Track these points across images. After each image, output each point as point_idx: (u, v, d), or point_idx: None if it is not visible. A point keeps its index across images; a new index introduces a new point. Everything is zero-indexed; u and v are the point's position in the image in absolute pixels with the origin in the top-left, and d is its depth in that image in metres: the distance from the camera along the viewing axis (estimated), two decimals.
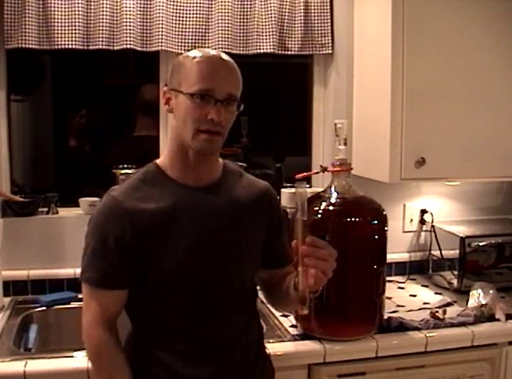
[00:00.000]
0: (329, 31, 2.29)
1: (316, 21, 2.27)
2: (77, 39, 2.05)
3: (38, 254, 2.13)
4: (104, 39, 2.08)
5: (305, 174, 1.80)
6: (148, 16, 2.13)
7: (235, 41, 2.20)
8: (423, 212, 2.43)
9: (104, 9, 2.06)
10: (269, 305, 2.00)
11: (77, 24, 2.04)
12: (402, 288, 2.29)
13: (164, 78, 2.19)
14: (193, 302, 1.32)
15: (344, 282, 1.68)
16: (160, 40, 2.12)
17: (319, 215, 1.69)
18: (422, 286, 2.32)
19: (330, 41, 2.29)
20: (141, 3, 2.11)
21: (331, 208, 1.70)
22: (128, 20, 2.08)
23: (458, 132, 2.04)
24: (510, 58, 2.08)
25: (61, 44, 2.04)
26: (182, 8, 2.15)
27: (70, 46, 2.05)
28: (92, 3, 2.07)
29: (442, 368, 1.81)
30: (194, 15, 2.16)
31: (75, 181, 2.86)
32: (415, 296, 2.20)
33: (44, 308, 2.02)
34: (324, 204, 1.70)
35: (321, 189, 1.76)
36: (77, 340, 1.95)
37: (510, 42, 2.07)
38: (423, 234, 2.46)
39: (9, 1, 1.99)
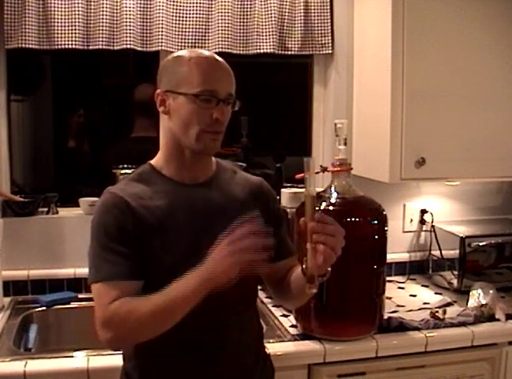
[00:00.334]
0: (329, 31, 2.29)
1: (316, 21, 2.27)
2: (77, 39, 2.05)
3: (38, 254, 2.13)
4: (104, 39, 2.08)
5: (304, 173, 1.79)
6: (148, 16, 2.13)
7: (235, 41, 2.20)
8: (423, 211, 2.43)
9: (104, 9, 2.06)
10: (269, 305, 2.01)
11: (77, 24, 2.04)
12: (402, 288, 2.29)
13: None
14: None
15: (344, 282, 1.68)
16: (159, 40, 2.12)
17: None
18: (422, 286, 2.32)
19: (330, 41, 2.29)
20: (141, 3, 2.11)
21: (331, 208, 1.70)
22: (128, 20, 2.08)
23: (458, 132, 2.04)
24: (510, 58, 2.08)
25: (61, 44, 2.05)
26: (182, 8, 2.15)
27: (70, 46, 2.05)
28: (92, 3, 2.07)
29: (442, 368, 1.81)
30: (194, 15, 2.16)
31: (75, 181, 2.86)
32: (415, 296, 2.20)
33: (44, 308, 2.02)
34: (324, 204, 1.70)
35: (321, 189, 1.76)
36: (77, 340, 1.96)
37: (510, 42, 2.07)
38: (423, 234, 2.46)
39: (9, 1, 1.99)
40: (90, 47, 2.09)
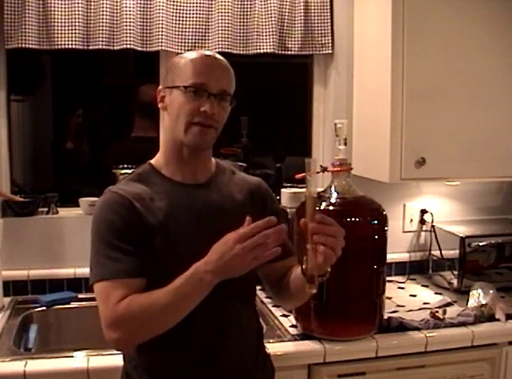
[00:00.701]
0: (329, 31, 2.29)
1: (316, 21, 2.27)
2: (77, 39, 2.05)
3: (38, 254, 2.13)
4: (104, 39, 2.08)
5: (305, 173, 1.79)
6: (148, 16, 2.13)
7: (235, 41, 2.20)
8: (423, 211, 2.43)
9: (104, 9, 2.06)
10: (269, 305, 2.01)
11: (77, 24, 2.04)
12: (402, 288, 2.29)
13: (164, 78, 2.19)
14: None
15: (344, 282, 1.68)
16: (159, 40, 2.12)
17: None
18: (422, 286, 2.32)
19: (330, 41, 2.29)
20: (141, 3, 2.11)
21: (331, 208, 1.70)
22: (128, 20, 2.08)
23: (458, 132, 2.04)
24: (510, 58, 2.08)
25: (61, 44, 2.05)
26: (182, 8, 2.15)
27: (70, 46, 2.05)
28: (92, 3, 2.07)
29: (442, 368, 1.81)
30: (194, 15, 2.16)
31: (75, 182, 2.86)
32: (415, 296, 2.19)
33: (44, 308, 2.01)
34: (324, 204, 1.70)
35: (321, 189, 1.76)
36: (77, 340, 1.96)
37: (510, 42, 2.07)
38: (423, 234, 2.46)
39: (9, 1, 1.99)
40: (90, 47, 2.09)
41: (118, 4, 2.08)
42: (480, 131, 2.06)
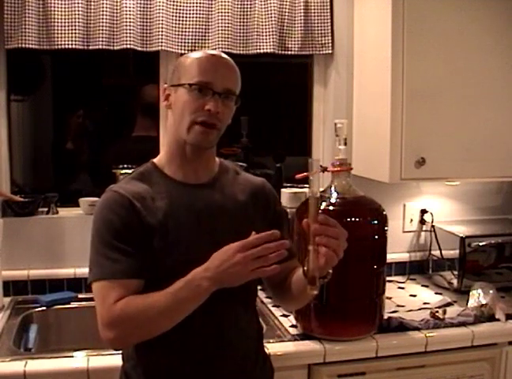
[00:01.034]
0: (329, 31, 2.29)
1: (316, 21, 2.27)
2: (77, 39, 2.05)
3: (38, 254, 2.13)
4: (104, 39, 2.08)
5: (305, 174, 1.79)
6: (148, 16, 2.13)
7: (235, 41, 2.20)
8: (423, 211, 2.43)
9: (104, 9, 2.06)
10: (269, 305, 2.01)
11: (77, 24, 2.04)
12: (402, 288, 2.29)
13: (164, 78, 2.19)
14: None
15: (344, 282, 1.68)
16: (159, 40, 2.12)
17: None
18: (422, 286, 2.32)
19: (330, 41, 2.29)
20: (141, 3, 2.11)
21: (331, 208, 1.70)
22: (128, 20, 2.08)
23: (458, 132, 2.04)
24: (510, 58, 2.08)
25: (61, 44, 2.05)
26: (182, 8, 2.15)
27: (70, 46, 2.05)
28: (92, 3, 2.07)
29: (442, 368, 1.81)
30: (194, 15, 2.16)
31: (75, 181, 2.86)
32: (415, 296, 2.20)
33: (44, 308, 2.02)
34: (324, 204, 1.70)
35: (322, 189, 1.76)
36: (77, 340, 1.96)
37: (510, 42, 2.07)
38: (423, 234, 2.46)
39: (9, 1, 1.99)
40: (90, 47, 2.09)
41: (118, 4, 2.08)
42: (480, 131, 2.06)
